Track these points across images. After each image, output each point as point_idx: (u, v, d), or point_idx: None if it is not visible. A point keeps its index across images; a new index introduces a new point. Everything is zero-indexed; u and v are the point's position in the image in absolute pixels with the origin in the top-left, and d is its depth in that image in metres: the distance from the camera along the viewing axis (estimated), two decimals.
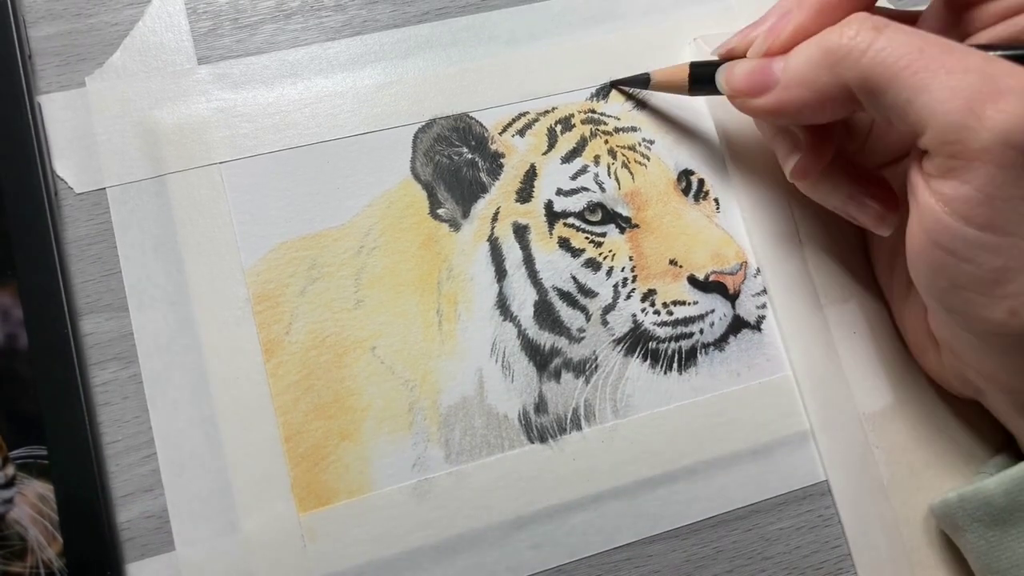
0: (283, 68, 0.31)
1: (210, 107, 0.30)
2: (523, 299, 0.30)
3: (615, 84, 0.32)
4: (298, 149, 0.30)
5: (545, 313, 0.30)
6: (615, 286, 0.30)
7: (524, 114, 0.32)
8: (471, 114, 0.31)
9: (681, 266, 0.30)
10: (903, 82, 0.22)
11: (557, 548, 0.28)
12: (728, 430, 0.29)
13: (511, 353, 0.29)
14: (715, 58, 0.29)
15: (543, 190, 0.31)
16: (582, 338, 0.30)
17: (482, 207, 0.30)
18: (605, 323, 0.30)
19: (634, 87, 0.32)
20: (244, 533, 0.27)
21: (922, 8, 0.27)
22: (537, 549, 0.28)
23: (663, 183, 0.31)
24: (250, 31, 0.31)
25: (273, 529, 0.27)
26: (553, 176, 0.31)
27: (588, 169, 0.31)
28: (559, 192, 0.31)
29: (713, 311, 0.30)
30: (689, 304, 0.30)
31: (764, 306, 0.31)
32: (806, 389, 0.30)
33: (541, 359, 0.29)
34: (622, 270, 0.30)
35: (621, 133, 0.32)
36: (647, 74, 0.31)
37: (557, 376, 0.29)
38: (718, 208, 0.32)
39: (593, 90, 0.32)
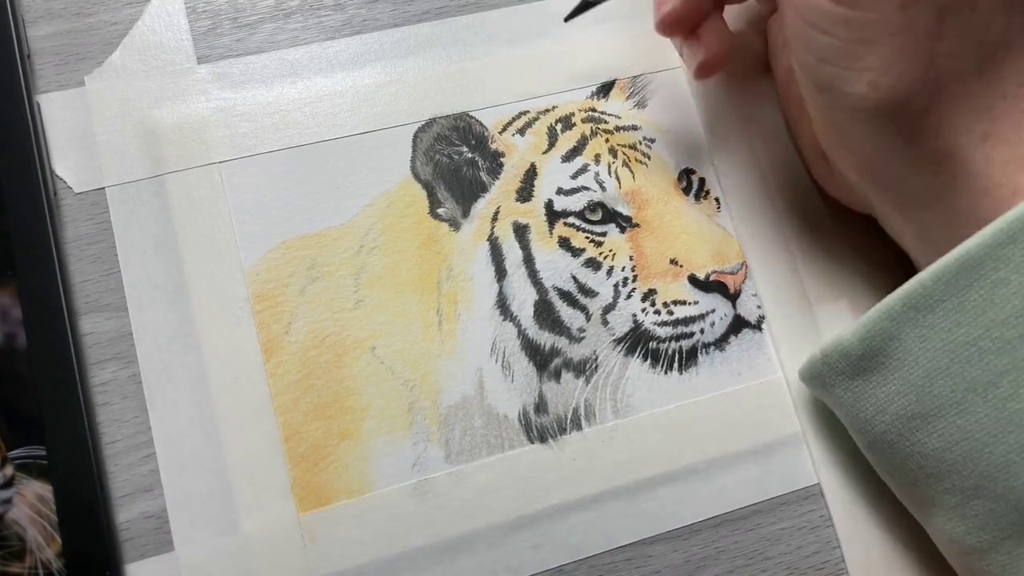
0: (283, 67, 0.31)
1: (210, 106, 0.30)
2: (523, 299, 0.30)
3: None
4: (298, 148, 0.30)
5: (545, 313, 0.30)
6: (615, 286, 0.30)
7: (524, 113, 0.32)
8: (471, 113, 0.31)
9: (681, 265, 0.30)
10: None
11: (557, 548, 0.28)
12: (729, 430, 0.29)
13: (511, 353, 0.29)
14: None
15: (543, 189, 0.31)
16: (582, 338, 0.30)
17: (482, 206, 0.30)
18: (605, 323, 0.30)
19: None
20: (244, 533, 0.27)
21: None
22: (537, 549, 0.28)
23: (664, 182, 0.31)
24: (249, 30, 0.31)
25: (273, 529, 0.27)
26: (553, 175, 0.31)
27: (588, 168, 0.31)
28: (559, 191, 0.31)
29: (714, 311, 0.30)
30: (689, 304, 0.30)
31: None
32: (797, 390, 0.30)
33: (541, 359, 0.29)
34: (622, 270, 0.30)
35: (622, 132, 0.32)
36: None
37: (557, 376, 0.29)
38: (719, 207, 0.32)
39: (593, 89, 0.32)
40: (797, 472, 0.29)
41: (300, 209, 0.30)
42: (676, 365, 0.30)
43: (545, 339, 0.29)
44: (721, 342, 0.30)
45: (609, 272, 0.30)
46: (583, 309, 0.30)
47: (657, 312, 0.30)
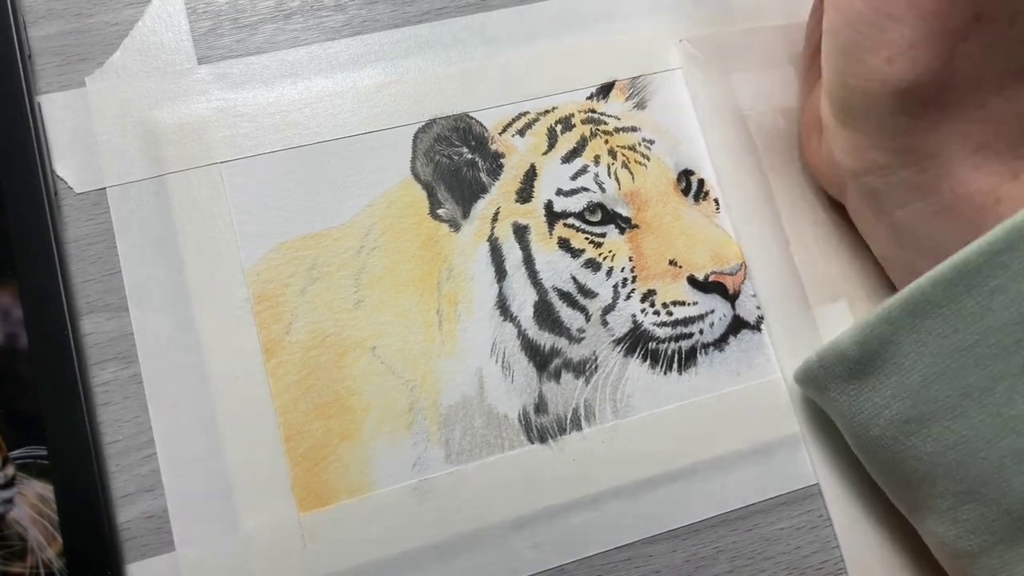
0: (283, 68, 0.31)
1: (210, 107, 0.30)
2: (523, 299, 0.30)
3: None
4: (298, 149, 0.30)
5: (545, 313, 0.30)
6: (615, 286, 0.30)
7: (524, 114, 0.32)
8: (471, 114, 0.31)
9: (681, 266, 0.30)
10: None
11: (557, 548, 0.28)
12: (728, 430, 0.29)
13: (511, 353, 0.29)
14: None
15: (543, 190, 0.31)
16: (582, 338, 0.30)
17: (482, 207, 0.30)
18: (605, 323, 0.30)
19: None
20: (244, 533, 0.27)
21: None
22: (537, 549, 0.28)
23: (663, 183, 0.31)
24: (250, 31, 0.31)
25: (273, 529, 0.27)
26: (553, 176, 0.31)
27: (588, 169, 0.31)
28: (559, 192, 0.31)
29: (713, 311, 0.30)
30: (689, 304, 0.30)
31: None
32: (795, 390, 0.30)
33: (541, 359, 0.29)
34: (622, 270, 0.30)
35: (621, 133, 0.32)
36: None
37: (557, 376, 0.29)
38: (718, 208, 0.32)
39: (593, 90, 0.32)
40: (796, 472, 0.29)
41: (301, 209, 0.30)
42: (675, 365, 0.30)
43: (545, 339, 0.30)
44: (720, 343, 0.30)
45: (609, 273, 0.30)
46: (583, 310, 0.30)
47: (656, 313, 0.30)
